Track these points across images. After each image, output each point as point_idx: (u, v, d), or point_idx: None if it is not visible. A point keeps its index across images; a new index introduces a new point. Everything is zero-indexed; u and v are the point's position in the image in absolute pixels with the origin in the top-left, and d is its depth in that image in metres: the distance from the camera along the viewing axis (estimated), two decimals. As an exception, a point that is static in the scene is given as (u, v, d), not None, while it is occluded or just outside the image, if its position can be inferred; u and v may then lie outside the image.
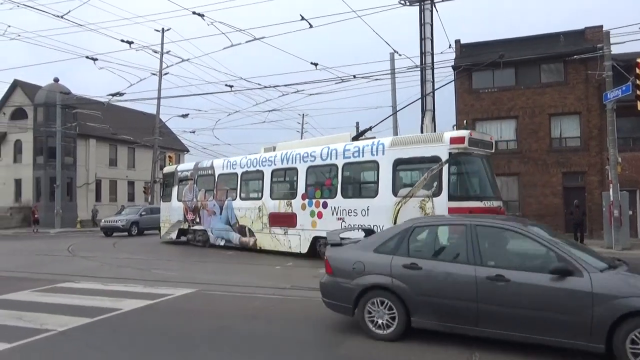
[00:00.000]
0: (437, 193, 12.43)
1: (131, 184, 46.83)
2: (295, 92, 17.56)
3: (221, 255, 16.60)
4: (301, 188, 15.72)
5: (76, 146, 39.64)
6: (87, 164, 41.99)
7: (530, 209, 23.34)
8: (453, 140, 12.58)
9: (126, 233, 27.39)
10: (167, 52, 38.76)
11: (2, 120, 40.40)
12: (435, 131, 32.12)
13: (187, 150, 53.79)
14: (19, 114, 39.68)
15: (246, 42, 15.36)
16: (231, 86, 20.72)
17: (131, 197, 46.93)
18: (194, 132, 35.85)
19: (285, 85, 17.54)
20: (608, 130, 19.10)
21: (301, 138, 68.94)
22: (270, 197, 16.75)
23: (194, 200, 20.36)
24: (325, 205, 14.94)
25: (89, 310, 7.82)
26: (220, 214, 18.80)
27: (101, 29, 41.46)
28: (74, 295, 9.17)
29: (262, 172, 17.19)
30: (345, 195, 14.53)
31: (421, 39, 32.44)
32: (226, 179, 18.87)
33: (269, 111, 33.44)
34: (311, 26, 14.65)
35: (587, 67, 22.38)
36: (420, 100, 32.12)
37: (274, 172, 16.82)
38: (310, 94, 20.69)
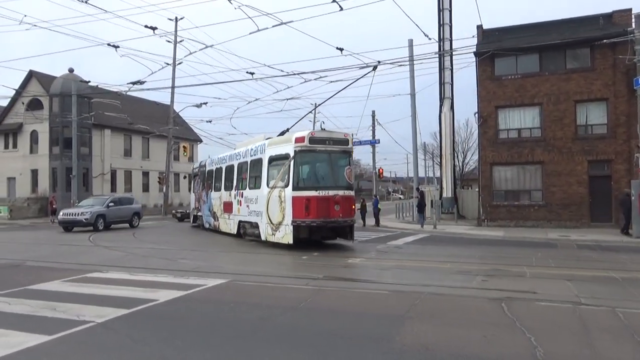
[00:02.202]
0: (287, 185, 14.64)
1: (145, 174, 46.84)
2: (317, 79, 17.14)
3: (244, 245, 16.47)
4: (235, 181, 19.06)
5: (91, 136, 39.67)
6: (102, 154, 42.04)
7: (554, 198, 22.87)
8: (297, 140, 14.70)
9: (91, 228, 23.38)
10: (180, 42, 38.26)
11: (19, 110, 40.52)
12: (453, 119, 31.79)
13: (201, 141, 53.72)
14: (34, 104, 39.77)
15: (273, 26, 15.00)
16: (252, 73, 20.39)
17: (145, 188, 46.97)
18: (210, 121, 35.58)
19: (312, 72, 17.13)
20: (639, 116, 18.54)
21: (313, 128, 68.44)
22: (224, 189, 20.33)
23: (199, 191, 25.32)
24: (242, 195, 18.04)
25: (124, 300, 7.67)
26: (206, 203, 23.32)
27: (118, 17, 41.13)
28: (105, 286, 9.03)
29: (221, 169, 21.07)
30: (250, 186, 17.36)
31: (439, 25, 31.92)
32: (209, 174, 23.26)
33: (287, 99, 33.02)
34: (341, 9, 14.23)
35: (615, 51, 21.74)
36: (438, 87, 31.71)
37: (225, 168, 20.45)
38: (331, 81, 20.29)
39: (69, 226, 23.61)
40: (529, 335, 5.81)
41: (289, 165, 14.65)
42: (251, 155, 17.48)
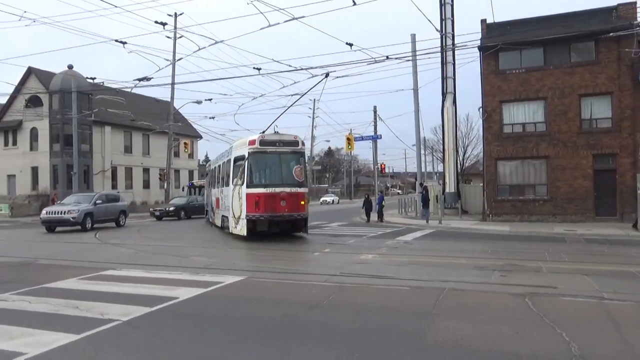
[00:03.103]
0: (243, 183, 16.32)
1: (146, 170, 46.74)
2: (324, 74, 17.06)
3: (254, 243, 16.44)
4: (220, 179, 20.80)
5: (92, 133, 39.47)
6: (102, 151, 41.83)
7: (560, 193, 22.90)
8: (250, 143, 16.45)
9: (78, 227, 21.75)
10: (180, 38, 38.01)
11: (18, 107, 40.21)
12: (456, 114, 31.78)
13: (200, 137, 53.50)
14: (34, 101, 39.49)
15: (285, 21, 14.88)
16: (259, 69, 20.27)
17: (146, 184, 46.87)
18: (213, 118, 35.27)
19: (319, 67, 17.03)
20: (645, 110, 18.52)
21: (312, 124, 68.01)
22: (215, 186, 22.40)
23: (207, 189, 27.64)
24: (222, 192, 20.05)
25: (144, 298, 7.61)
26: (210, 199, 25.43)
27: (119, 13, 40.83)
28: (122, 283, 8.97)
29: (216, 167, 23.25)
30: (225, 184, 19.18)
31: (441, 20, 31.80)
32: (212, 172, 25.27)
33: (291, 95, 33.11)
34: (355, 3, 14.10)
35: (620, 45, 21.72)
36: (441, 82, 31.65)
37: (217, 167, 22.71)
38: (337, 77, 20.18)
39: (52, 226, 21.45)
40: (560, 331, 5.78)
41: (245, 166, 16.36)
42: (226, 156, 19.79)
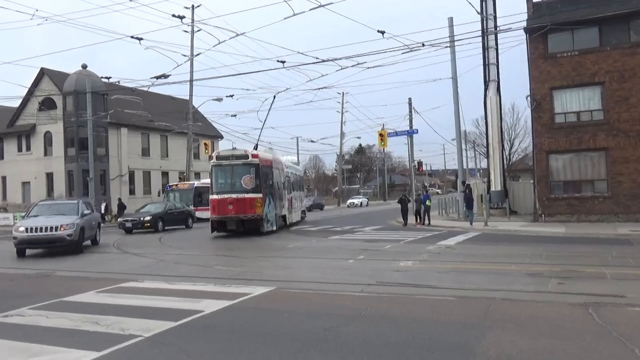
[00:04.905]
0: (210, 190, 22.62)
1: (165, 174, 47.57)
2: (354, 66, 16.97)
3: (282, 249, 16.53)
4: None
5: (108, 136, 40.41)
6: (119, 154, 42.78)
7: (622, 189, 22.16)
8: (211, 158, 23.66)
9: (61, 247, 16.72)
10: (197, 31, 38.60)
11: (32, 110, 41.49)
12: (500, 104, 31.14)
13: (221, 137, 54.11)
14: (47, 104, 40.69)
15: (310, 9, 14.91)
16: (283, 62, 20.38)
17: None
18: (235, 115, 35.59)
19: (348, 58, 16.98)
20: None
21: (341, 119, 67.66)
22: None
23: None
24: None
25: (167, 312, 7.70)
26: None
27: (132, 7, 41.78)
28: (143, 296, 9.10)
29: None
30: None
31: (482, 0, 31.19)
32: None
33: (318, 89, 33.02)
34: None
35: (688, 20, 20.88)
36: (482, 69, 31.07)
37: None
38: (368, 67, 20.07)
39: (29, 247, 16.76)
40: (632, 347, 5.54)
41: (211, 176, 22.76)
42: None
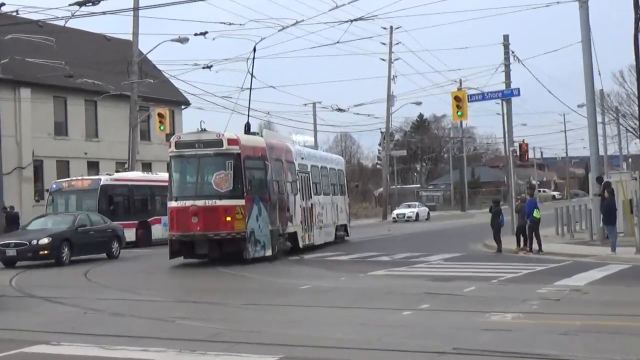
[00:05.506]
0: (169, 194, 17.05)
1: (94, 165, 33.03)
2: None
3: (289, 291, 12.48)
4: None
5: None
6: (17, 132, 29.38)
7: None
8: (170, 145, 17.04)
9: None
10: None
11: None
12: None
13: (187, 103, 38.57)
14: None
15: None
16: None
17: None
18: (209, 67, 25.81)
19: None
20: None
21: (389, 73, 47.07)
22: None
23: None
24: None
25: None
26: None
27: None
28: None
29: None
30: None
31: None
32: None
33: (350, 21, 21.40)
34: None
35: None
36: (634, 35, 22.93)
37: None
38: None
39: None
40: None
41: (169, 172, 17.37)
42: None
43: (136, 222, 24.01)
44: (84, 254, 18.80)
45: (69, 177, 27.44)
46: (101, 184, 23.61)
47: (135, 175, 27.35)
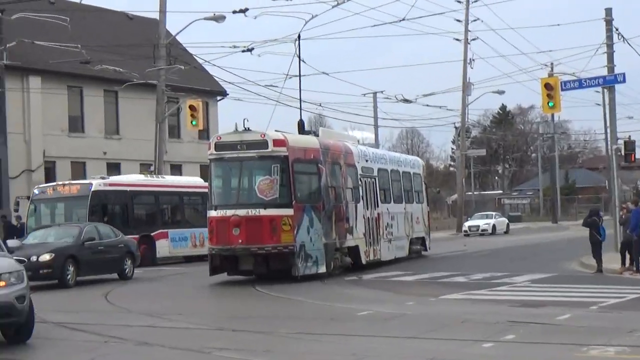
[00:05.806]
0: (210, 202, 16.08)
1: (114, 166, 29.59)
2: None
3: (344, 317, 11.06)
4: None
5: (4, 92, 25.45)
6: (26, 128, 26.94)
7: None
8: (209, 147, 15.77)
9: None
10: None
11: None
12: None
13: (224, 93, 34.99)
14: None
15: None
16: None
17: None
18: (250, 50, 23.08)
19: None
20: None
21: (465, 57, 40.77)
22: None
23: None
24: None
25: None
26: None
27: None
28: None
29: None
30: None
31: None
32: None
33: None
34: None
35: None
36: None
37: None
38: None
39: None
40: None
41: (210, 177, 16.25)
42: None
43: (137, 236, 20.28)
44: (92, 274, 16.88)
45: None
46: (92, 189, 20.20)
47: (136, 179, 23.46)
